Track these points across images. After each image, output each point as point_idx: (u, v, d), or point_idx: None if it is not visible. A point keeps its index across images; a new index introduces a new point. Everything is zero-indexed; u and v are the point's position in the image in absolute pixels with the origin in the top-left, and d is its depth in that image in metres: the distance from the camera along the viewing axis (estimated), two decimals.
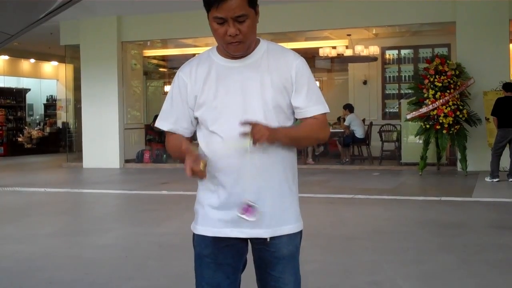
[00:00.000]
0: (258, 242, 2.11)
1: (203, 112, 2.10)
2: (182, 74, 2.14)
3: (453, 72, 10.68)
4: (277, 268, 2.12)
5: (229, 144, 2.03)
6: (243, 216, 2.03)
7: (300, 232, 2.18)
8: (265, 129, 1.98)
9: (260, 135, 1.96)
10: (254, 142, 1.97)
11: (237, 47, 2.02)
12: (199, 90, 2.10)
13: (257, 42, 2.12)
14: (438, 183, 10.28)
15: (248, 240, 2.13)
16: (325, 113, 2.15)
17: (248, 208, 2.03)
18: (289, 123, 2.12)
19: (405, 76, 15.68)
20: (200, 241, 2.15)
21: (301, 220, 2.19)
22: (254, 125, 1.97)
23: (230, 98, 2.06)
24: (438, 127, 10.57)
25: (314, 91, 2.13)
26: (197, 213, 2.18)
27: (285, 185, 2.13)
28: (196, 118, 2.14)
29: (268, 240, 2.09)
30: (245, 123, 1.97)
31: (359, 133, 12.71)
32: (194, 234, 2.18)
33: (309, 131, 2.14)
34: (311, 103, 2.11)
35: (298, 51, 2.26)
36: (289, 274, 2.14)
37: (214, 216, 2.11)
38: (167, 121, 2.18)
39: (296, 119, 2.17)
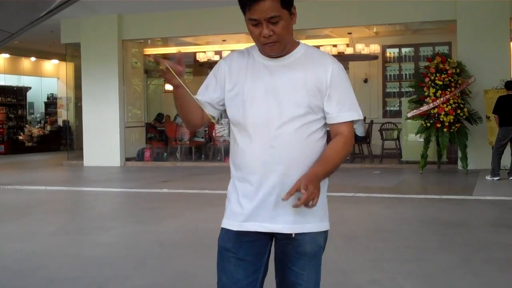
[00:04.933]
0: (282, 237, 2.12)
1: (234, 106, 2.14)
2: (223, 62, 2.20)
3: (453, 71, 10.68)
4: (298, 263, 2.12)
5: None
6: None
7: (325, 232, 2.16)
8: (314, 192, 1.97)
9: (312, 199, 1.98)
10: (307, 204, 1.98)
11: (272, 47, 2.06)
12: (231, 82, 2.14)
13: (296, 44, 2.15)
14: (439, 181, 10.28)
15: (273, 237, 2.14)
16: (352, 121, 2.14)
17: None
18: (318, 124, 2.11)
19: (405, 75, 15.68)
20: (223, 234, 2.17)
21: (327, 221, 2.17)
22: (303, 189, 1.96)
23: (263, 96, 2.09)
24: (438, 125, 10.57)
25: (348, 98, 2.13)
26: (226, 208, 2.20)
27: None
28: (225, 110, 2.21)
29: (293, 235, 2.09)
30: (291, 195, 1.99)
31: (359, 131, 12.69)
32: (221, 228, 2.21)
33: (339, 153, 2.11)
34: (344, 109, 2.11)
35: None
36: (310, 272, 2.13)
37: (238, 210, 2.13)
38: (198, 94, 2.22)
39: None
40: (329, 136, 2.18)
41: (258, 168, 2.08)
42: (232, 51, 2.27)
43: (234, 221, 2.14)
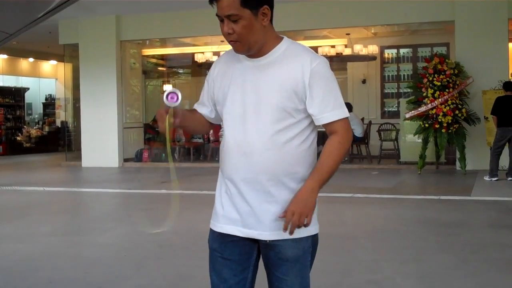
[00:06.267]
0: (263, 243, 2.11)
1: (219, 107, 2.17)
2: (213, 66, 2.23)
3: (452, 71, 10.68)
4: (281, 269, 2.09)
5: None
6: (167, 103, 2.04)
7: (310, 237, 2.12)
8: (302, 215, 2.02)
9: (297, 224, 2.02)
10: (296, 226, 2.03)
11: (235, 45, 2.03)
12: (216, 86, 2.17)
13: (277, 41, 2.10)
14: (437, 182, 10.28)
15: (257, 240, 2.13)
16: (344, 118, 2.05)
17: (172, 95, 2.05)
18: (297, 128, 2.04)
19: (404, 75, 15.69)
20: (211, 235, 2.19)
21: (314, 225, 2.13)
22: (290, 216, 2.01)
23: (238, 100, 2.07)
24: (437, 126, 10.57)
25: (331, 96, 2.03)
26: (213, 209, 2.22)
27: (291, 188, 2.07)
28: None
29: (268, 242, 2.08)
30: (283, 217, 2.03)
31: (358, 132, 12.69)
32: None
33: (334, 157, 2.05)
34: (328, 108, 2.02)
35: None
36: (294, 277, 2.09)
37: (220, 212, 2.14)
38: (197, 103, 2.29)
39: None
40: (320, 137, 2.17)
41: (234, 174, 2.08)
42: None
43: (216, 222, 2.15)
